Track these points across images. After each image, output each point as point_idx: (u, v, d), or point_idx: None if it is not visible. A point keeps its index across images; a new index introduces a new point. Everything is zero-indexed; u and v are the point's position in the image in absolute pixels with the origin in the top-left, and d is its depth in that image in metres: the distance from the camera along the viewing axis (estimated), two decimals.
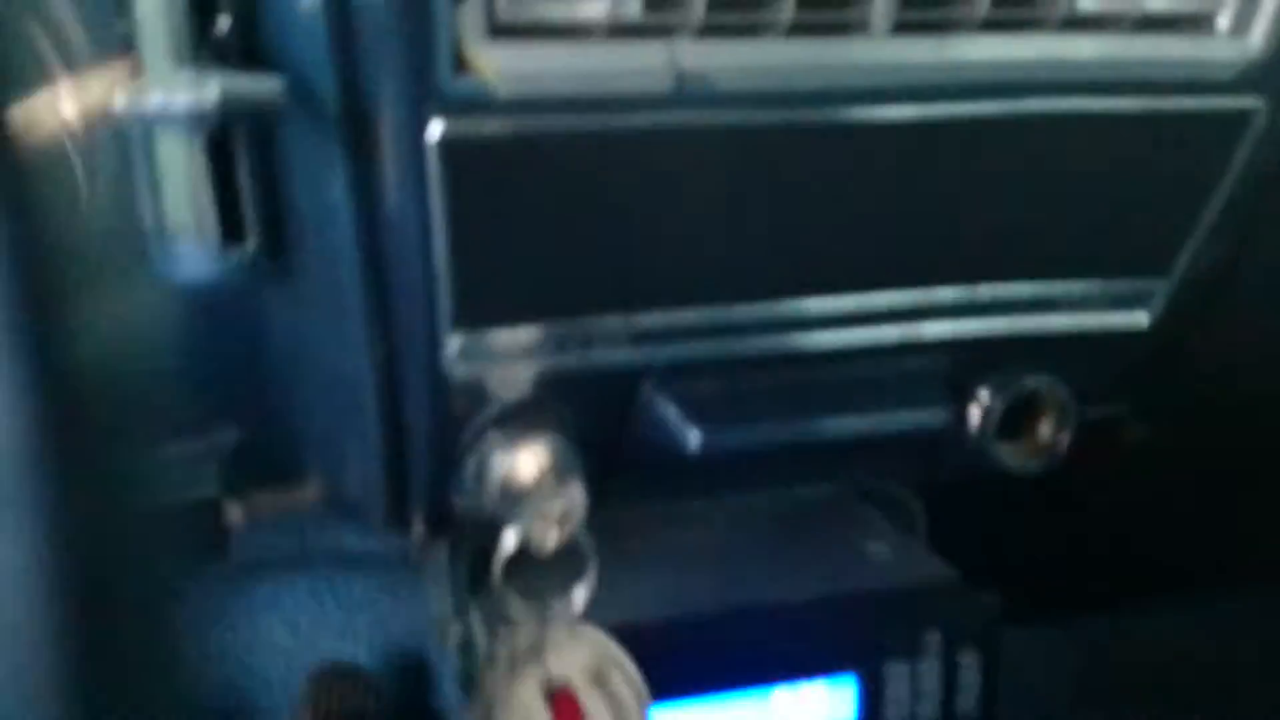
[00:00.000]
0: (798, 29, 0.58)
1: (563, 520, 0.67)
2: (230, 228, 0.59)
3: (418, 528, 0.76)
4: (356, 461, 0.71)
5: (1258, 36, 0.64)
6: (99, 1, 0.53)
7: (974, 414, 0.80)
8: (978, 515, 1.06)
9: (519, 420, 0.69)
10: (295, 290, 0.63)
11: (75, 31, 0.51)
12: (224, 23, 0.53)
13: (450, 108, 0.54)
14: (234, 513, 0.76)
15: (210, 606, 1.07)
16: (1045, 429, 0.82)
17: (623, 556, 0.97)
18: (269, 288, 0.63)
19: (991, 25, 0.60)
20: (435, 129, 0.54)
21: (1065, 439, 0.81)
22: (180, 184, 0.57)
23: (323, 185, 0.58)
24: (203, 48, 0.52)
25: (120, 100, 0.46)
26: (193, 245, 0.60)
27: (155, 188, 0.58)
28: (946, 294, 0.71)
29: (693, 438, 0.70)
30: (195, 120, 0.48)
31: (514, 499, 0.68)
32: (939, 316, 0.72)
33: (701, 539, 1.00)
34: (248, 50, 0.54)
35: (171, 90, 0.47)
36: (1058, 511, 1.14)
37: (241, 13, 0.53)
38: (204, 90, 0.47)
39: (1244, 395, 1.01)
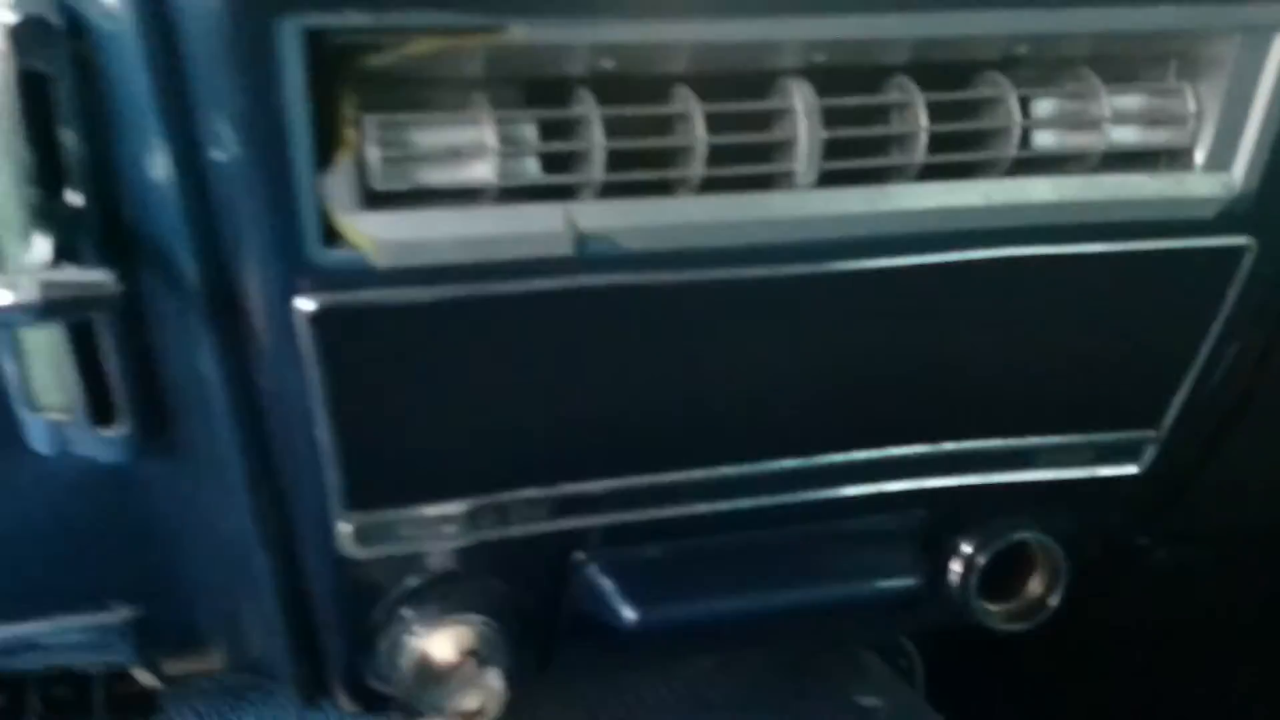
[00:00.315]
0: (712, 184, 0.52)
1: (478, 715, 0.61)
2: (103, 408, 0.55)
3: (343, 700, 0.70)
4: (261, 635, 0.66)
5: (1239, 170, 0.57)
6: None
7: (954, 570, 0.72)
8: (979, 659, 0.98)
9: (437, 597, 0.63)
10: (180, 467, 0.58)
11: None
12: (75, 198, 0.49)
13: (322, 281, 0.49)
14: (145, 678, 0.73)
15: None
16: (1035, 585, 0.74)
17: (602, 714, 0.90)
18: (153, 465, 0.58)
19: (932, 172, 0.54)
20: (306, 304, 0.49)
21: (1057, 596, 0.73)
22: (45, 367, 0.53)
23: (195, 363, 0.53)
24: (51, 225, 0.48)
25: None
26: (65, 427, 0.55)
27: (22, 370, 0.54)
28: (911, 451, 0.64)
29: (628, 613, 0.64)
30: (19, 320, 0.44)
31: (428, 686, 0.62)
32: (905, 475, 0.65)
33: (689, 690, 0.94)
34: (109, 224, 0.50)
35: None
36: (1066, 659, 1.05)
37: (95, 187, 0.49)
38: (21, 292, 0.43)
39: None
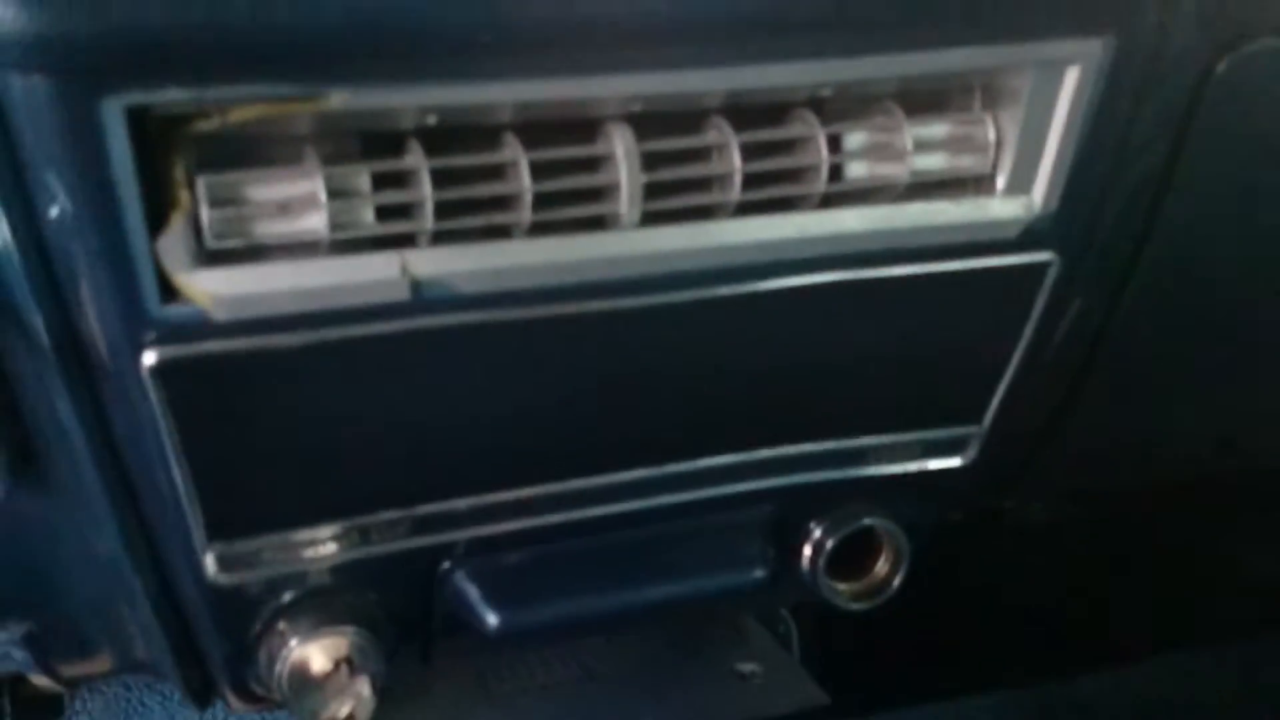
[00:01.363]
0: (540, 228, 0.55)
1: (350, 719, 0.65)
2: None
3: (230, 700, 0.73)
4: (146, 641, 0.69)
5: (1039, 192, 0.62)
6: None
7: (805, 553, 0.77)
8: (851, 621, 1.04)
9: (311, 610, 0.66)
10: (53, 501, 0.61)
11: None
12: None
13: (165, 335, 0.52)
14: (42, 683, 0.77)
15: None
16: (880, 567, 0.80)
17: (490, 692, 0.94)
18: (27, 498, 0.61)
19: (750, 206, 0.58)
20: (149, 356, 0.52)
21: (900, 575, 0.79)
22: None
23: (54, 411, 0.55)
24: None
25: None
26: None
27: None
28: (754, 455, 0.69)
29: (491, 619, 0.68)
30: None
31: (303, 694, 0.66)
32: (749, 477, 0.70)
33: (577, 661, 0.98)
34: None
35: None
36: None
37: None
38: None
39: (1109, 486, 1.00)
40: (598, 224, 0.57)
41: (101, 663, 0.75)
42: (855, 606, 0.77)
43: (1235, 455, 0.95)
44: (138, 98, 0.46)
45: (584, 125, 0.56)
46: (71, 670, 0.75)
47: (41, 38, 0.44)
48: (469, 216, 0.54)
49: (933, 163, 0.61)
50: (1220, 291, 0.79)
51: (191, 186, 0.50)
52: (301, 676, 0.65)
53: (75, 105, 0.46)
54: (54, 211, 0.49)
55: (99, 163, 0.47)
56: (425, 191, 0.53)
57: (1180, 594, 1.22)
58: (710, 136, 0.57)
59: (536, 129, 0.55)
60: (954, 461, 0.72)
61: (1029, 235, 0.63)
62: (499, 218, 0.55)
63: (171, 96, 0.47)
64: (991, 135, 0.61)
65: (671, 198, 0.57)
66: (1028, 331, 0.66)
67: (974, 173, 0.62)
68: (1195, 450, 0.93)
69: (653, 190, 0.56)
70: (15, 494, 0.60)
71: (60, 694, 0.89)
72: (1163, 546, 1.24)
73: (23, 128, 0.47)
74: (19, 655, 0.72)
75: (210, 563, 0.60)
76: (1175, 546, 1.24)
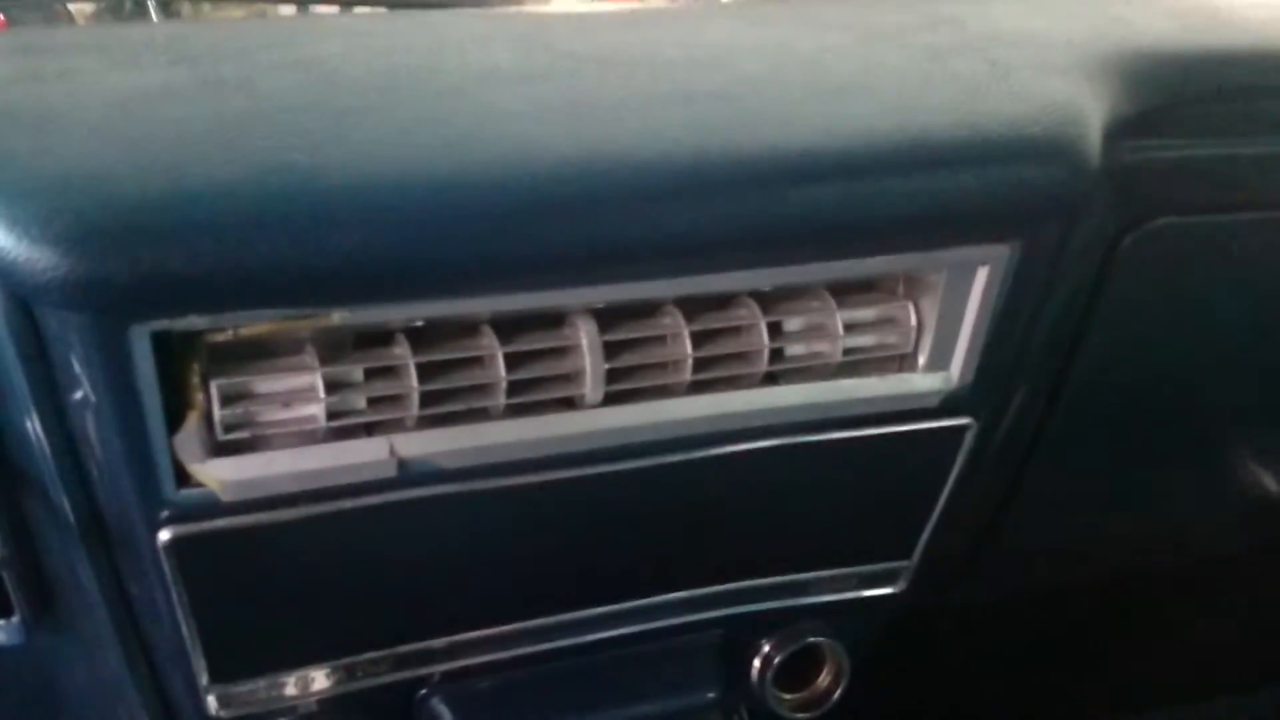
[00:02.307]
0: (512, 410, 0.62)
1: None
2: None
3: None
4: None
5: (956, 368, 0.70)
6: None
7: (755, 667, 0.84)
8: None
9: None
10: (68, 644, 0.67)
11: None
12: None
13: (178, 515, 0.58)
14: None
15: None
16: (824, 679, 0.87)
17: None
18: (45, 640, 0.67)
19: (698, 387, 0.65)
20: (165, 534, 0.58)
21: (842, 686, 0.86)
22: None
23: (75, 573, 0.62)
24: None
25: None
26: None
27: None
28: (705, 590, 0.76)
29: None
30: None
31: None
32: (702, 608, 0.77)
33: None
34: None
35: None
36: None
37: None
38: None
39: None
40: (565, 404, 0.64)
41: None
42: (800, 717, 0.85)
43: (1159, 552, 1.03)
44: (162, 324, 0.53)
45: (552, 316, 0.64)
46: None
47: (81, 282, 0.51)
48: (450, 402, 0.61)
49: (861, 341, 0.69)
50: (1132, 424, 0.87)
51: (204, 388, 0.57)
52: None
53: (107, 333, 0.53)
54: (84, 415, 0.55)
55: (125, 376, 0.54)
56: (411, 382, 0.60)
57: (1132, 663, 1.29)
58: (664, 324, 0.65)
59: (509, 322, 0.63)
60: (889, 589, 0.80)
61: (948, 403, 0.70)
62: (477, 402, 0.62)
63: (191, 323, 0.54)
64: (913, 319, 0.69)
65: (630, 379, 0.64)
66: (950, 481, 0.74)
67: (898, 351, 0.69)
68: (1120, 551, 1.01)
69: (613, 374, 0.64)
70: (33, 637, 0.66)
71: None
72: (1105, 622, 1.31)
73: (57, 346, 0.54)
74: None
75: (212, 702, 0.66)
76: (1117, 621, 1.31)
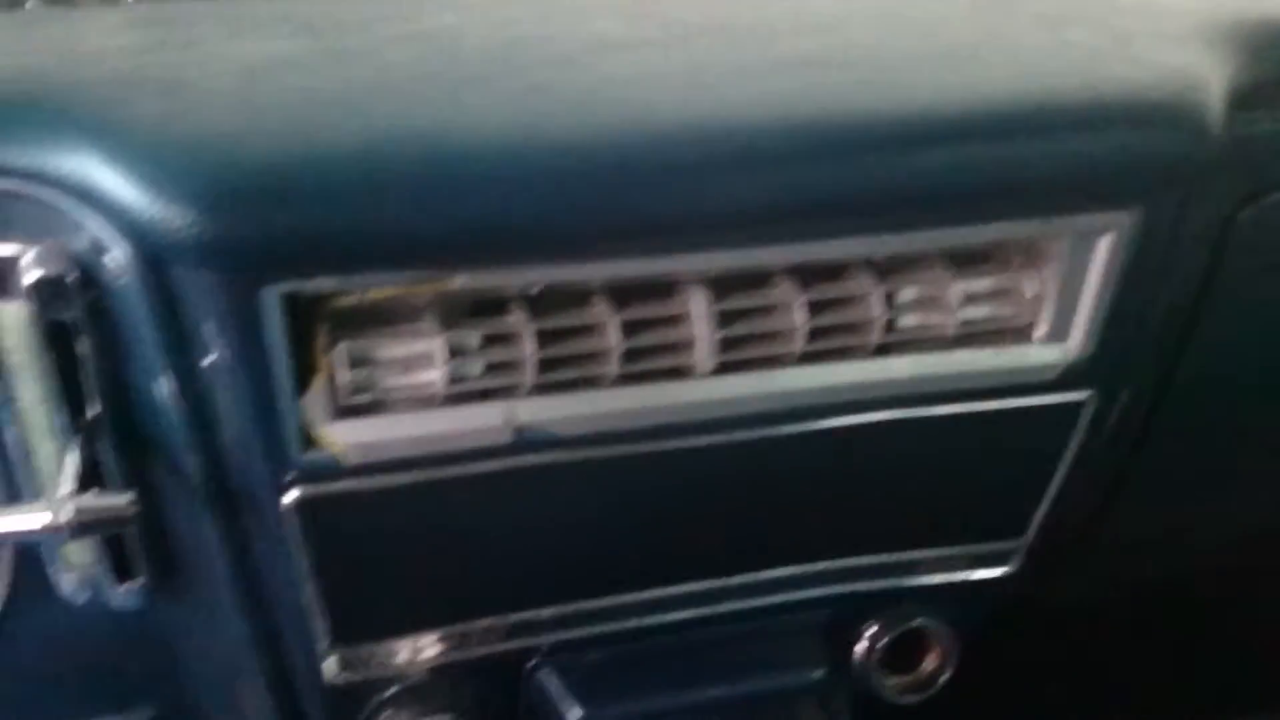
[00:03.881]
0: (625, 378, 0.63)
1: None
2: (122, 567, 0.65)
3: None
4: None
5: (1076, 340, 0.68)
6: None
7: (860, 650, 0.84)
8: None
9: (412, 700, 0.73)
10: (187, 607, 0.69)
11: None
12: (93, 410, 0.59)
13: (305, 477, 0.59)
14: None
15: None
16: (931, 662, 0.86)
17: None
18: (164, 604, 0.69)
19: (810, 358, 0.65)
20: (289, 496, 0.60)
21: (948, 670, 0.85)
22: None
23: (199, 536, 0.63)
24: (77, 443, 0.58)
25: None
26: (91, 583, 0.66)
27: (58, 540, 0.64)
28: (815, 567, 0.75)
29: (574, 713, 0.74)
30: (55, 540, 0.54)
31: None
32: (810, 585, 0.76)
33: None
34: (122, 425, 0.60)
35: (29, 516, 0.53)
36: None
37: (110, 399, 0.59)
38: (57, 516, 0.53)
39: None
40: (676, 373, 0.64)
41: None
42: (906, 700, 0.83)
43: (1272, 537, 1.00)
44: (293, 286, 0.54)
45: (665, 285, 0.64)
46: None
47: (215, 241, 0.52)
48: (565, 369, 0.62)
49: (978, 313, 0.68)
50: (1251, 402, 0.84)
51: (330, 354, 0.58)
52: None
53: (239, 293, 0.54)
54: (215, 378, 0.57)
55: (256, 337, 0.55)
56: (529, 349, 0.61)
57: (1238, 663, 1.25)
58: (778, 294, 0.64)
59: (623, 290, 0.63)
60: (999, 571, 0.78)
61: (1067, 376, 0.69)
62: (590, 370, 0.62)
63: (321, 285, 0.55)
64: (1031, 289, 0.68)
65: (743, 349, 0.64)
66: (1066, 458, 0.72)
67: (1015, 323, 0.68)
68: (1238, 538, 0.98)
69: (726, 343, 0.64)
70: (155, 601, 0.68)
71: None
72: (1213, 619, 1.27)
73: (189, 306, 0.56)
74: None
75: (329, 666, 0.67)
76: (1225, 618, 1.27)
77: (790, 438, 0.66)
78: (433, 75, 0.60)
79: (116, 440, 0.60)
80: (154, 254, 0.54)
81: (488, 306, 0.62)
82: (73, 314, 0.57)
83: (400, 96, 0.58)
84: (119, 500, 0.54)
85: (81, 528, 0.53)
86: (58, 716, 0.76)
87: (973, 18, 0.73)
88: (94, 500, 0.54)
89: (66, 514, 0.53)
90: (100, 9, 0.73)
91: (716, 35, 0.69)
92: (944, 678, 0.84)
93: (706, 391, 0.64)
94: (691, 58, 0.65)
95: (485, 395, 0.62)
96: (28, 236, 0.56)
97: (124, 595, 0.66)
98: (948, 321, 0.67)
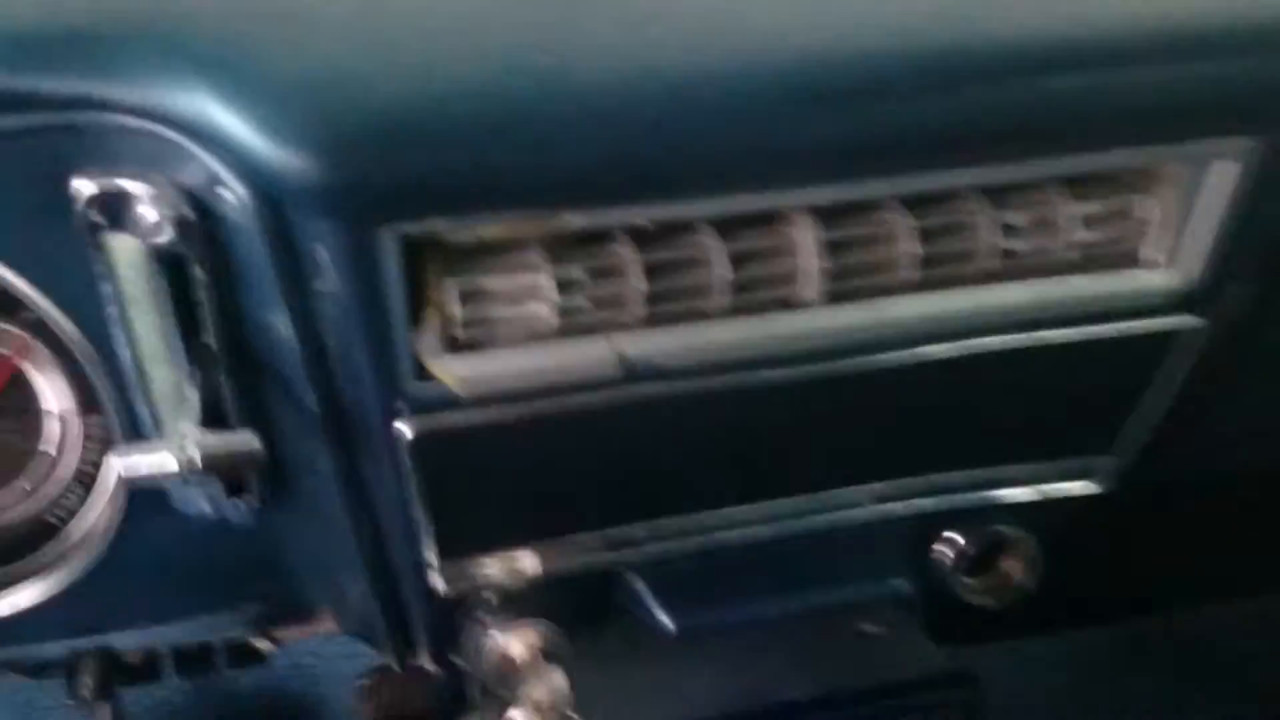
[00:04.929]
0: (734, 310, 0.62)
1: (548, 706, 0.75)
2: (237, 485, 0.67)
3: (425, 660, 0.84)
4: (363, 615, 0.80)
5: (1188, 265, 0.67)
6: None
7: (945, 556, 0.85)
8: None
9: (510, 606, 0.76)
10: (300, 520, 0.71)
11: None
12: (209, 337, 0.59)
13: (418, 408, 0.60)
14: (262, 645, 0.87)
15: None
16: (1013, 566, 0.87)
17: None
18: (278, 514, 0.71)
19: (921, 285, 0.64)
20: (405, 428, 0.61)
21: (1032, 578, 0.86)
22: None
23: (312, 459, 0.65)
24: (197, 377, 0.59)
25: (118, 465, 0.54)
26: (207, 499, 0.68)
27: None
28: (902, 482, 0.76)
29: (666, 621, 0.77)
30: (182, 481, 0.55)
31: (504, 677, 0.76)
32: (898, 498, 0.77)
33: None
34: (237, 356, 0.61)
35: (156, 457, 0.55)
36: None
37: (226, 331, 0.59)
38: (184, 457, 0.54)
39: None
40: (785, 304, 0.63)
41: (316, 628, 0.87)
42: (987, 601, 0.85)
43: None
44: (409, 228, 0.54)
45: (771, 214, 0.63)
46: (288, 635, 0.87)
47: (332, 187, 0.51)
48: (672, 301, 0.62)
49: (1090, 236, 0.66)
50: None
51: (442, 290, 0.58)
52: (503, 662, 0.75)
53: (356, 235, 0.54)
54: (332, 313, 0.57)
55: (373, 277, 0.55)
56: (636, 283, 0.60)
57: None
58: (887, 221, 0.63)
59: (728, 220, 0.62)
60: (1089, 488, 0.79)
61: (1180, 302, 0.68)
62: (698, 302, 0.62)
63: (437, 226, 0.54)
64: (1144, 214, 0.66)
65: (852, 278, 0.63)
66: (1172, 381, 0.72)
67: (1128, 246, 0.67)
68: None
69: (834, 273, 0.63)
70: (266, 516, 0.70)
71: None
72: None
73: (306, 245, 0.55)
74: (247, 629, 0.83)
75: (435, 577, 0.69)
76: None
77: (898, 365, 0.66)
78: (547, 4, 0.58)
79: (233, 371, 0.61)
80: (271, 195, 0.54)
81: (593, 238, 0.61)
82: (187, 248, 0.57)
83: (516, 26, 0.56)
84: (244, 440, 0.56)
85: (208, 468, 0.55)
86: (169, 611, 0.79)
87: None
88: (219, 440, 0.55)
89: (192, 455, 0.54)
90: None
91: None
92: (1026, 584, 0.86)
93: (815, 322, 0.63)
94: None
95: (593, 329, 0.62)
96: (142, 169, 0.56)
97: (238, 510, 0.68)
98: (1060, 244, 0.65)
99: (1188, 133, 0.62)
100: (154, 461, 0.55)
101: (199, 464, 0.55)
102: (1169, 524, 1.13)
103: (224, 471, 0.58)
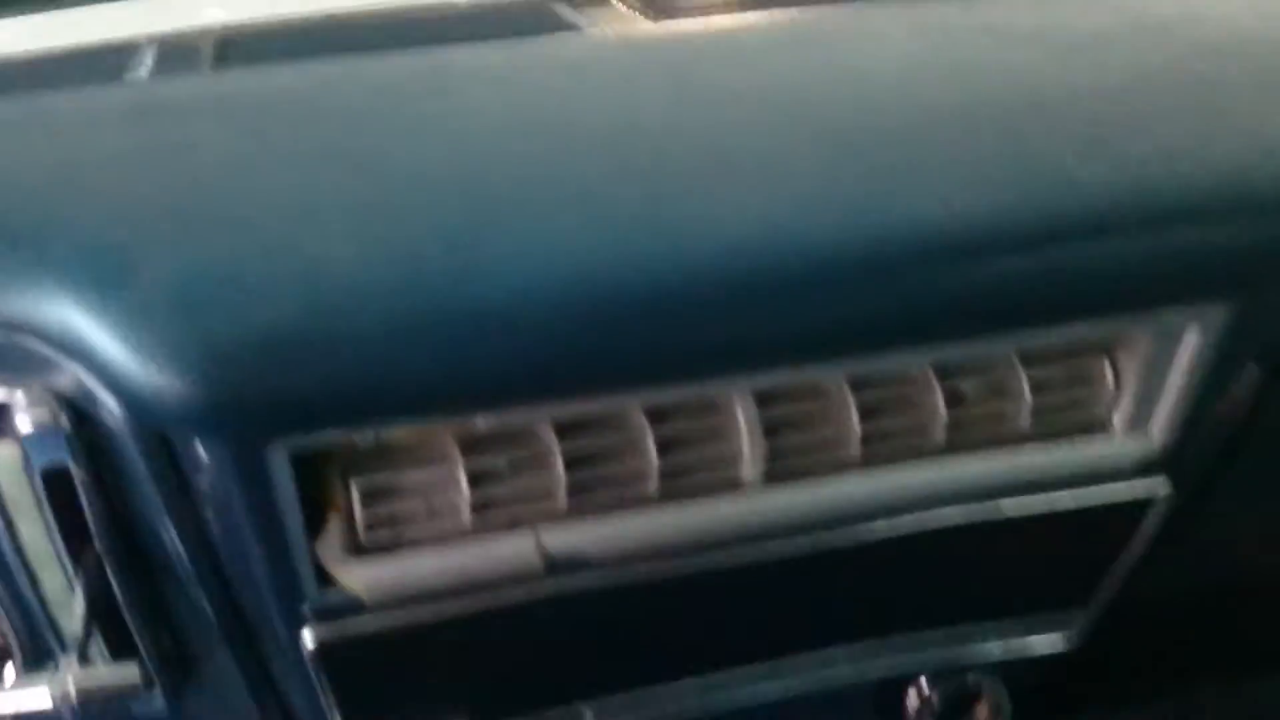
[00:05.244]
0: (666, 495, 0.58)
1: None
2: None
3: None
4: None
5: (1157, 430, 0.62)
6: None
7: (913, 703, 0.80)
8: None
9: None
10: (205, 711, 0.66)
11: None
12: (99, 544, 0.55)
13: (322, 615, 0.56)
14: None
15: None
16: (982, 710, 0.82)
17: None
18: (189, 701, 0.66)
19: (867, 460, 0.60)
20: (308, 633, 0.56)
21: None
22: None
23: (217, 659, 0.60)
24: (77, 572, 0.54)
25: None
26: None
27: None
28: (869, 644, 0.71)
29: None
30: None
31: None
32: (865, 658, 0.72)
33: None
34: (132, 561, 0.56)
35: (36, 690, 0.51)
36: None
37: (116, 538, 0.55)
38: (63, 688, 0.50)
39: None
40: (721, 485, 0.59)
41: None
42: None
43: None
44: (299, 441, 0.50)
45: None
46: None
47: (213, 408, 0.47)
48: (600, 489, 0.57)
49: (1051, 400, 0.62)
50: None
51: (345, 491, 0.54)
52: None
53: (242, 453, 0.49)
54: (220, 525, 0.53)
55: (264, 492, 0.51)
56: (559, 473, 0.56)
57: None
58: (830, 401, 0.59)
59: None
60: (1059, 643, 0.74)
61: (1146, 467, 0.63)
62: (628, 489, 0.57)
63: (330, 438, 0.50)
64: (1110, 382, 0.61)
65: (794, 456, 0.59)
66: (1137, 543, 0.67)
67: (1091, 411, 0.62)
68: None
69: (775, 452, 0.58)
70: (174, 704, 0.65)
71: None
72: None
73: (191, 464, 0.51)
74: None
75: None
76: None
77: (846, 544, 0.61)
78: (447, 183, 0.54)
79: (128, 577, 0.56)
80: (146, 413, 0.49)
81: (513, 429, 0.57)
82: (68, 455, 0.53)
83: (412, 219, 0.51)
84: (123, 673, 0.51)
85: (85, 702, 0.51)
86: None
87: (1058, 70, 0.65)
88: (97, 674, 0.51)
89: (68, 691, 0.50)
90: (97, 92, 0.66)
91: (760, 110, 0.61)
92: None
93: (754, 505, 0.59)
94: (732, 146, 0.58)
95: (512, 523, 0.57)
96: (17, 377, 0.52)
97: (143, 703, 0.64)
98: (1018, 411, 0.61)
99: (1155, 300, 0.57)
100: (29, 697, 0.51)
101: (74, 700, 0.50)
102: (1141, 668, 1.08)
103: (102, 704, 0.54)
